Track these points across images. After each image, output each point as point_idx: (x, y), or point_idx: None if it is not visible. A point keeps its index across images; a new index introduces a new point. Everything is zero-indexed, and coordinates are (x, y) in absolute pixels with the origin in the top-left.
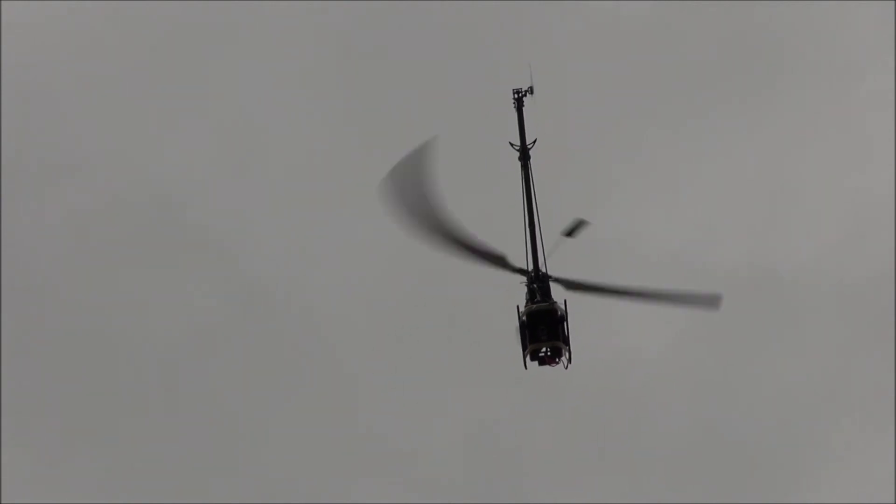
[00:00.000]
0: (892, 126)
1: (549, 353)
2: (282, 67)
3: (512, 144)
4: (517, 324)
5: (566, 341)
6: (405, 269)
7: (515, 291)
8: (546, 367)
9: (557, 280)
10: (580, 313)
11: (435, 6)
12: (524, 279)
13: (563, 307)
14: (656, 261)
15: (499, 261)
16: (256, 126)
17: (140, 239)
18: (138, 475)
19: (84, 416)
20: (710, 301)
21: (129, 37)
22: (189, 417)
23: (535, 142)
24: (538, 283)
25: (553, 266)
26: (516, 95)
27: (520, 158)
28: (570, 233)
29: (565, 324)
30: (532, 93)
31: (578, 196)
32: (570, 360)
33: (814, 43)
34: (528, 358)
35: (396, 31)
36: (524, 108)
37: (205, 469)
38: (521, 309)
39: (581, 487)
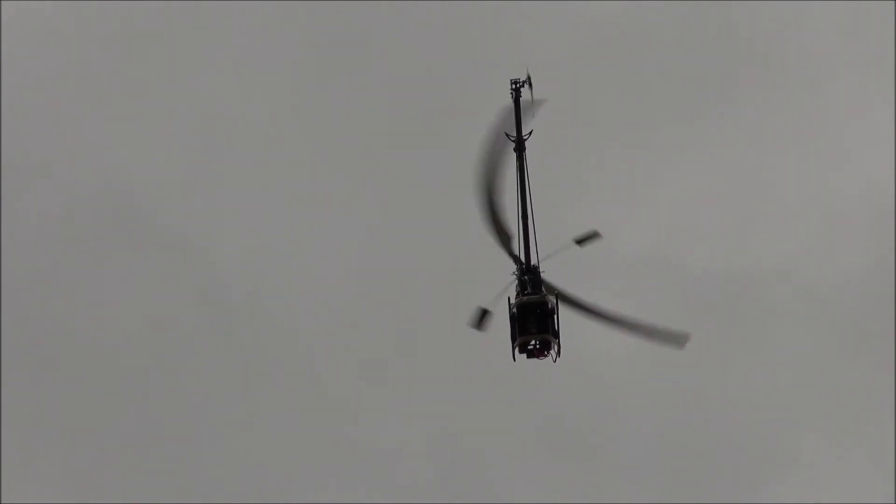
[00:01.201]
0: (864, 131)
1: (538, 346)
2: (253, 68)
3: (508, 135)
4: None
5: (556, 334)
6: (374, 270)
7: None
8: (534, 360)
9: (545, 282)
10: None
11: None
12: (515, 270)
13: (553, 300)
14: (629, 262)
15: (506, 239)
16: (226, 128)
17: (107, 239)
18: (103, 474)
19: (48, 415)
20: (677, 339)
21: (98, 37)
22: (158, 417)
23: (531, 133)
24: (530, 274)
25: (546, 268)
26: (514, 86)
27: (515, 149)
28: (581, 241)
29: (556, 317)
30: (530, 84)
31: (556, 195)
32: (559, 354)
33: (786, 46)
34: (517, 350)
35: (372, 28)
36: (521, 99)
37: (174, 468)
38: (512, 301)
39: (550, 489)
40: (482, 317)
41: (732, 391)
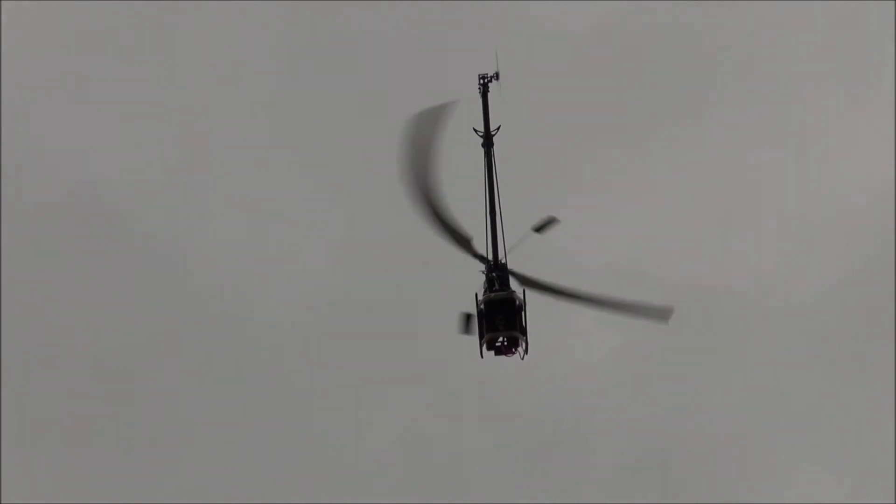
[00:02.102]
0: (845, 143)
1: (505, 343)
2: (233, 72)
3: (476, 130)
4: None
5: (524, 331)
6: (351, 273)
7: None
8: (502, 357)
9: (514, 274)
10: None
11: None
12: (483, 268)
13: (521, 297)
14: (604, 273)
15: (465, 243)
16: (207, 131)
17: (84, 243)
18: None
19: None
20: (661, 313)
21: (76, 39)
22: (145, 419)
23: (499, 128)
24: (497, 271)
25: (513, 260)
26: (482, 81)
27: (483, 145)
28: (539, 228)
29: (523, 314)
30: (498, 79)
31: (531, 206)
32: (526, 351)
33: (760, 57)
34: (484, 347)
35: (357, 30)
36: (489, 95)
37: (167, 469)
38: (479, 297)
39: (520, 494)
40: (467, 321)
41: (707, 404)
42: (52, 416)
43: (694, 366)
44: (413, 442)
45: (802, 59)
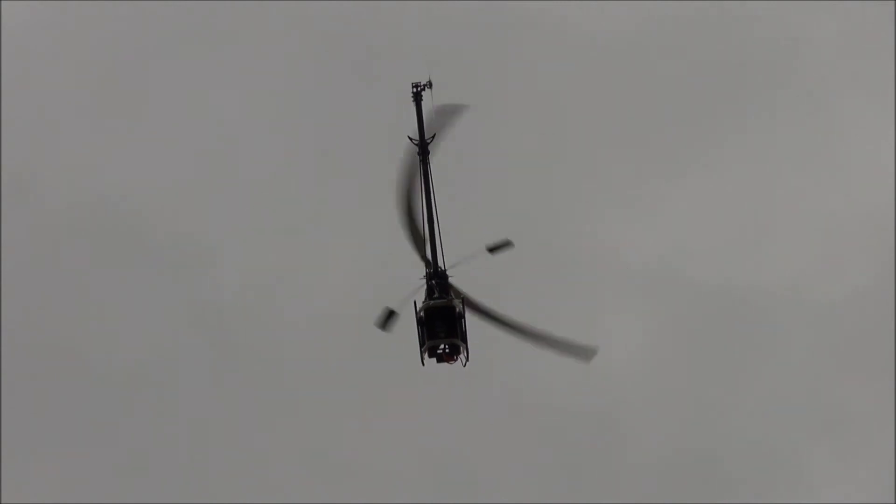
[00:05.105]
0: (871, 149)
1: (447, 351)
2: (251, 80)
3: (411, 139)
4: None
5: (464, 338)
6: (375, 283)
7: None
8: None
9: (454, 289)
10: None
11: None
12: (423, 276)
13: (460, 305)
14: (635, 276)
15: (420, 243)
16: (225, 141)
17: (103, 253)
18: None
19: (47, 420)
20: (585, 353)
21: (94, 46)
22: (155, 425)
23: (434, 137)
24: (437, 279)
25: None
26: (415, 89)
27: (419, 153)
28: (493, 249)
29: (463, 321)
30: (431, 87)
31: (564, 210)
32: (467, 358)
33: (793, 65)
34: (425, 355)
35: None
36: (423, 103)
37: (173, 473)
38: (419, 305)
39: (545, 494)
40: (388, 317)
41: (738, 406)
42: (72, 424)
43: (725, 367)
44: (438, 444)
45: (834, 66)
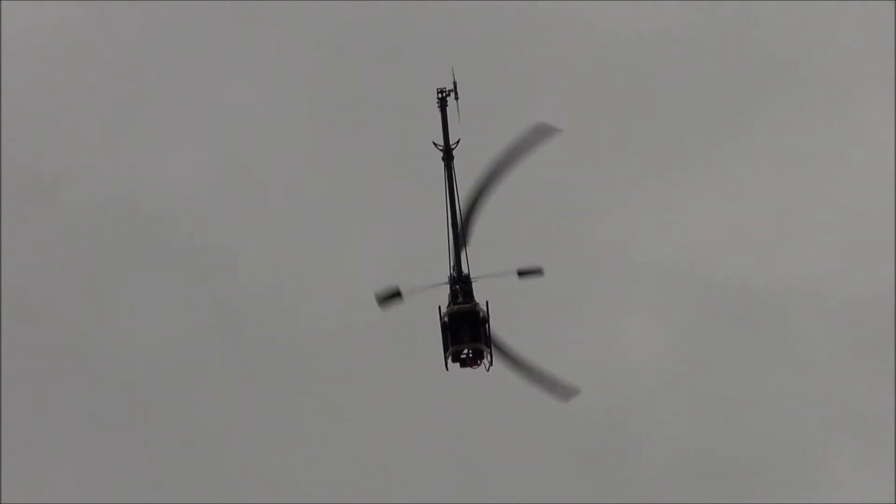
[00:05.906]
0: (891, 145)
1: (470, 355)
2: (272, 80)
3: (436, 144)
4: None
5: (488, 343)
6: (395, 282)
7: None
8: (468, 369)
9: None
10: (580, 323)
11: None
12: (446, 280)
13: (485, 309)
14: (656, 273)
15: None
16: (245, 142)
17: (122, 254)
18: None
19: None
20: (566, 392)
21: (113, 45)
22: (167, 426)
23: (458, 142)
24: (460, 284)
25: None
26: (440, 95)
27: (443, 158)
28: (524, 273)
29: (487, 325)
30: (457, 96)
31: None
32: (491, 363)
33: (815, 63)
34: (449, 359)
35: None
36: (448, 108)
37: (179, 473)
38: (443, 310)
39: (566, 494)
40: (392, 296)
41: (759, 406)
42: (91, 424)
43: (747, 367)
44: (458, 444)
45: (855, 63)
